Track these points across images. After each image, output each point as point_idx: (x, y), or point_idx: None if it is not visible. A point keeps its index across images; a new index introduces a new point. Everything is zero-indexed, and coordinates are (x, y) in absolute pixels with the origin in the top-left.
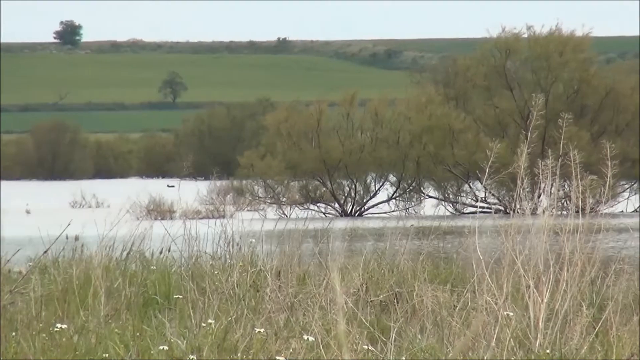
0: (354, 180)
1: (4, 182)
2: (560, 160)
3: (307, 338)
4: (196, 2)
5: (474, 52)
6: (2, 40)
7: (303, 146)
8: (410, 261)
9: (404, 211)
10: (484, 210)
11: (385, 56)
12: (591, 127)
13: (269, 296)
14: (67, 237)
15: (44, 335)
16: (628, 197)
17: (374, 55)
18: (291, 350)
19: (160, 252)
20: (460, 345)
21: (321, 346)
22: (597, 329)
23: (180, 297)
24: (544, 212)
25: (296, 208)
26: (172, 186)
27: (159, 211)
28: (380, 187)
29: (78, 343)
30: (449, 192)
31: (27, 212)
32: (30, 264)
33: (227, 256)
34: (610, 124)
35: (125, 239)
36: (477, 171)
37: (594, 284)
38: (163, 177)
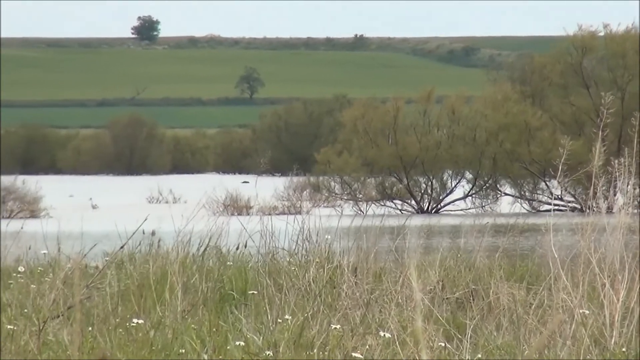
0: (431, 177)
1: (81, 177)
2: (635, 158)
3: (384, 335)
4: None
5: (550, 50)
6: (80, 36)
7: (380, 143)
8: (486, 259)
9: (480, 208)
10: (560, 208)
11: (462, 53)
12: None
13: (346, 292)
14: (143, 232)
15: (121, 330)
16: None
17: (451, 53)
18: (367, 346)
19: (237, 248)
20: (536, 343)
21: (397, 343)
22: None
23: (257, 293)
24: (619, 210)
25: (372, 205)
26: (247, 182)
27: (235, 207)
28: (457, 184)
29: (154, 338)
30: (525, 189)
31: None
32: (107, 259)
33: (304, 252)
34: None
35: (202, 235)
36: (553, 169)
37: None
38: (240, 173)
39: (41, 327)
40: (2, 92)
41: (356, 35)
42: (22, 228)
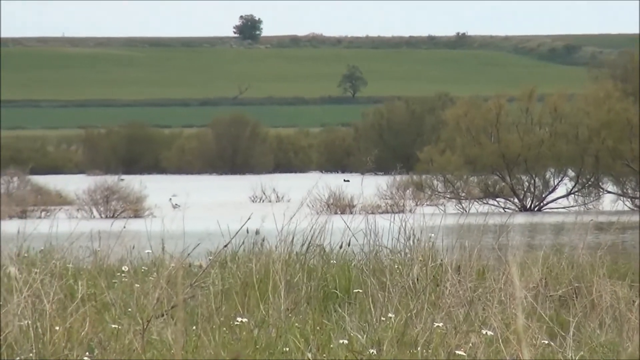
0: (533, 175)
1: (185, 177)
2: None
3: (486, 332)
4: None
5: None
6: (182, 35)
7: (482, 141)
8: (589, 256)
9: (583, 206)
10: None
11: (564, 51)
12: None
13: (449, 290)
14: (247, 231)
15: (224, 329)
16: None
17: (553, 51)
18: (470, 344)
19: (340, 246)
20: (638, 340)
21: (500, 341)
22: None
23: (360, 291)
24: None
25: (475, 203)
26: (347, 181)
27: (338, 205)
28: (559, 182)
29: (258, 337)
30: (627, 187)
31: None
32: (211, 257)
33: (407, 251)
34: None
35: (305, 233)
36: None
37: None
38: (342, 172)
39: (145, 326)
40: (106, 91)
41: (458, 33)
42: (124, 227)
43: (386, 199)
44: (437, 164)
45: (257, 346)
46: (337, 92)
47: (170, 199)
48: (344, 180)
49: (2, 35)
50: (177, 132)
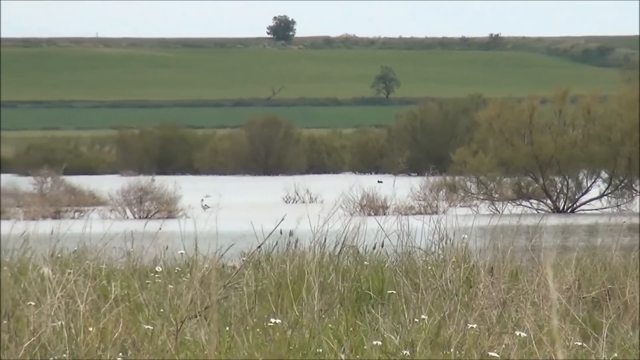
0: (566, 177)
1: (218, 178)
2: None
3: (519, 334)
4: None
5: None
6: (215, 36)
7: (515, 142)
8: (622, 258)
9: (616, 208)
10: None
11: (597, 53)
12: None
13: (482, 292)
14: (281, 232)
15: (258, 330)
16: None
17: (586, 52)
18: (504, 346)
19: (374, 248)
20: None
21: (533, 342)
22: None
23: (394, 292)
24: None
25: (508, 204)
26: (381, 182)
27: (372, 206)
28: (592, 183)
29: (292, 338)
30: None
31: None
32: (244, 258)
33: (440, 252)
34: None
35: (338, 234)
36: None
37: None
38: (376, 173)
39: (178, 327)
40: (139, 92)
41: (491, 34)
42: (160, 229)
43: (419, 200)
44: (470, 166)
45: (291, 347)
46: (370, 93)
47: (202, 199)
48: (378, 182)
49: (37, 36)
50: (210, 133)
